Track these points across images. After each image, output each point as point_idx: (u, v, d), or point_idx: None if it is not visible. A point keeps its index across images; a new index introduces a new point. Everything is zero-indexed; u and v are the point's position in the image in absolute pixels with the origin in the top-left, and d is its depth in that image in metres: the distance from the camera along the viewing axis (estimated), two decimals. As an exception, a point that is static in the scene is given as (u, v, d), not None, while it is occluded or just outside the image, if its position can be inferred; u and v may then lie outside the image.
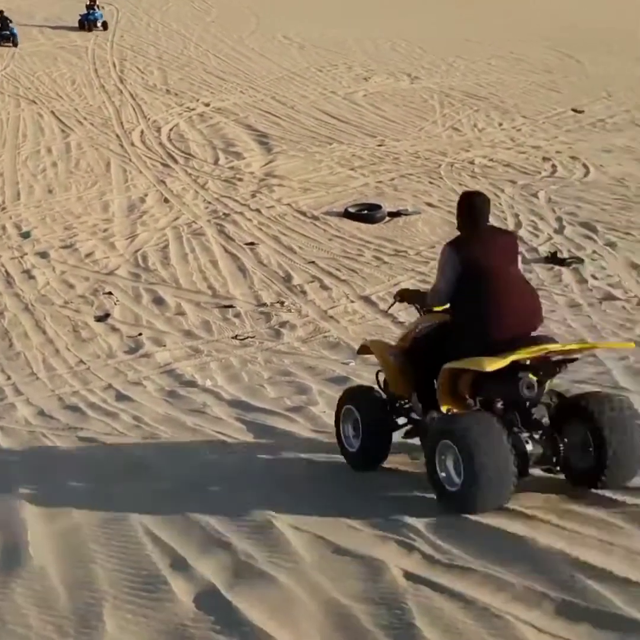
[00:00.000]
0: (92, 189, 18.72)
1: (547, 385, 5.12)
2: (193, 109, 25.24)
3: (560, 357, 5.08)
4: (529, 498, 4.95)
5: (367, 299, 13.26)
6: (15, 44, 33.60)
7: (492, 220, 17.83)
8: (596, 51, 33.95)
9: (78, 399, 9.50)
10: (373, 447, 5.68)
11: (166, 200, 18.01)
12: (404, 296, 5.97)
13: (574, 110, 26.14)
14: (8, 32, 34.12)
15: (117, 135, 22.57)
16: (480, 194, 5.62)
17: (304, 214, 17.16)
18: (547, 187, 18.67)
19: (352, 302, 13.19)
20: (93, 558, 4.63)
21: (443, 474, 4.84)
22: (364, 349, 6.30)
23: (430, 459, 4.91)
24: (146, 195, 18.33)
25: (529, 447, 4.90)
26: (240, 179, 19.31)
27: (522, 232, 15.91)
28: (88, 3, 36.92)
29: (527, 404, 4.99)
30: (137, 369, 10.68)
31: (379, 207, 17.06)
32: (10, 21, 34.70)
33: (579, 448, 4.96)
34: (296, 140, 22.20)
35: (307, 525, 4.76)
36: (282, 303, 13.13)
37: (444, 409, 5.22)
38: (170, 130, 23.17)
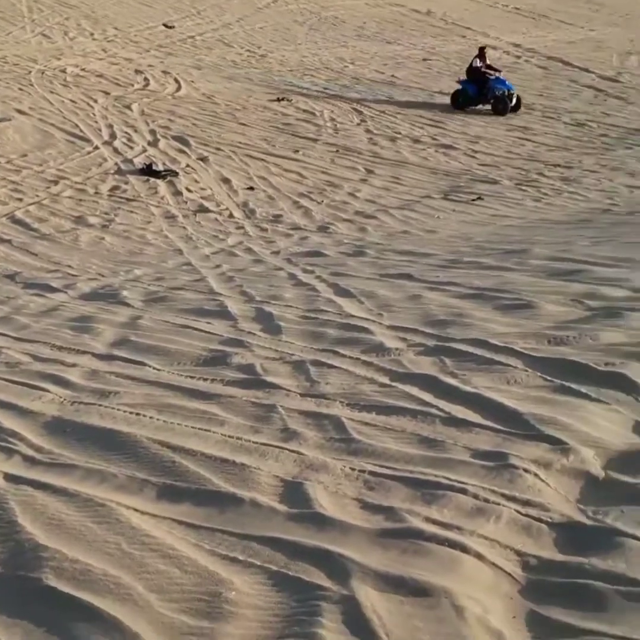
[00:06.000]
0: None
1: None
2: None
3: None
4: (129, 396, 5.04)
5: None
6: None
7: (86, 131, 17.53)
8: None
9: None
10: None
11: None
12: None
13: (165, 25, 26.20)
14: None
15: None
16: None
17: None
18: (140, 99, 18.64)
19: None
20: None
21: None
22: None
23: None
24: None
25: None
26: None
27: (117, 144, 15.80)
28: (479, 64, 21.13)
29: None
30: None
31: (-37, 112, 15.85)
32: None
33: None
34: None
35: None
36: None
37: None
38: None
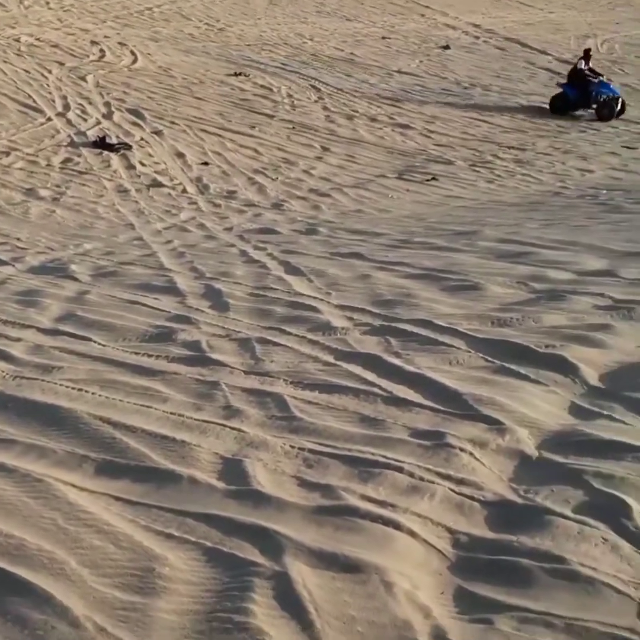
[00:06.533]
0: None
1: None
2: None
3: None
4: (72, 372, 5.02)
5: None
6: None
7: (39, 102, 17.28)
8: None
9: None
10: None
11: None
12: None
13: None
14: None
15: None
16: None
17: None
18: (96, 71, 18.40)
19: None
20: None
21: None
22: None
23: None
24: None
25: None
26: None
27: (70, 115, 15.60)
28: (583, 66, 19.94)
29: None
30: None
31: None
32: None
33: None
34: None
35: None
36: None
37: None
38: None
